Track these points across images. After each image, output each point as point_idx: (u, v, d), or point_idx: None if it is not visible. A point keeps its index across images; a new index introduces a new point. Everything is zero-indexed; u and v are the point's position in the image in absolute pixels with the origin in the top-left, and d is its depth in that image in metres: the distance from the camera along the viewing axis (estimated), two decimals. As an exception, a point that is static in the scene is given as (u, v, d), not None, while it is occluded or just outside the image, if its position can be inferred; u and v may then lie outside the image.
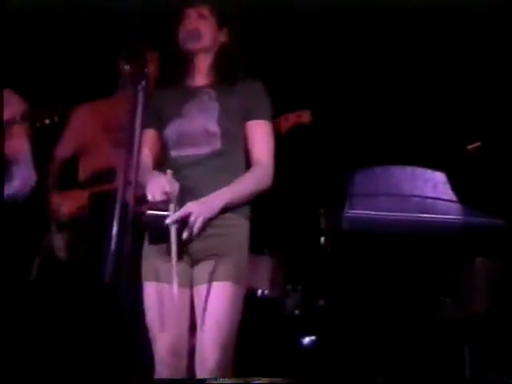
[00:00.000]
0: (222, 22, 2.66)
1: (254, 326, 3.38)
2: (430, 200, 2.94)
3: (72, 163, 3.49)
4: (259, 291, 3.49)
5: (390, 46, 3.79)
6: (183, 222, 2.45)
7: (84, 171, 3.55)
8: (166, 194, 2.44)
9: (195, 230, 2.43)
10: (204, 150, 2.55)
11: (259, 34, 3.51)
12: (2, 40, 3.23)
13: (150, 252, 2.55)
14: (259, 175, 2.55)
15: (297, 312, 3.57)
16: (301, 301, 3.58)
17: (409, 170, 3.04)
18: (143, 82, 2.41)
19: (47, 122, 3.02)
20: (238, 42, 2.68)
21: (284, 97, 2.97)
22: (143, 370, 3.23)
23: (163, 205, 2.46)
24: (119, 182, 2.37)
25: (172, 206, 2.46)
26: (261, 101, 2.60)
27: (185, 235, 2.44)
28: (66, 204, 3.44)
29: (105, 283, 2.22)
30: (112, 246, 2.27)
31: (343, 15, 3.57)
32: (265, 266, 3.57)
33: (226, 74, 2.61)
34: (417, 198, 2.97)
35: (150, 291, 2.52)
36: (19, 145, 3.15)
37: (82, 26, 3.75)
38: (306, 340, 3.57)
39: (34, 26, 3.67)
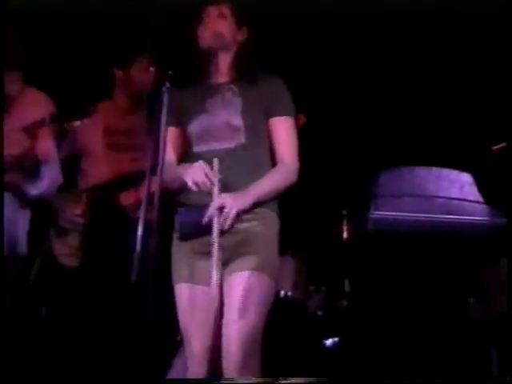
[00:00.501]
0: (241, 20, 2.67)
1: (277, 328, 3.38)
2: (455, 201, 2.92)
3: (71, 165, 3.48)
4: (282, 292, 3.50)
5: (417, 44, 3.77)
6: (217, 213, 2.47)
7: (84, 175, 3.54)
8: (207, 176, 2.47)
9: (228, 221, 2.44)
10: (228, 144, 2.56)
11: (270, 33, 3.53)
12: (26, 41, 3.27)
13: (181, 251, 2.55)
14: (285, 173, 2.56)
15: (320, 313, 3.57)
16: (324, 302, 3.58)
17: (434, 170, 3.03)
18: (168, 83, 2.45)
19: (77, 123, 3.06)
20: (255, 40, 2.69)
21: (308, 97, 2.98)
22: (165, 370, 3.26)
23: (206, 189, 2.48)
24: (145, 182, 2.40)
25: (216, 190, 2.48)
26: (282, 97, 2.62)
27: (218, 226, 2.44)
28: (67, 208, 3.45)
29: (132, 282, 2.24)
30: (138, 246, 2.31)
31: (350, 15, 3.55)
32: (288, 267, 3.56)
33: (245, 72, 2.62)
34: (442, 199, 2.96)
35: (184, 292, 2.52)
36: (48, 146, 3.17)
37: (97, 27, 3.78)
38: (329, 341, 3.56)
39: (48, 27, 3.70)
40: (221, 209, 2.44)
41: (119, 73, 3.53)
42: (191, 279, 2.50)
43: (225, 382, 2.43)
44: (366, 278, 3.21)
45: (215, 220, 2.43)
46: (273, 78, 2.64)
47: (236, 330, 2.41)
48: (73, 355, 3.27)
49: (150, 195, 2.38)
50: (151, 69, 2.43)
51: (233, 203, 2.44)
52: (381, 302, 3.22)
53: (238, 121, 2.56)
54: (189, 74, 2.68)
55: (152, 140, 2.40)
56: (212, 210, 2.43)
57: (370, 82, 3.81)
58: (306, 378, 2.45)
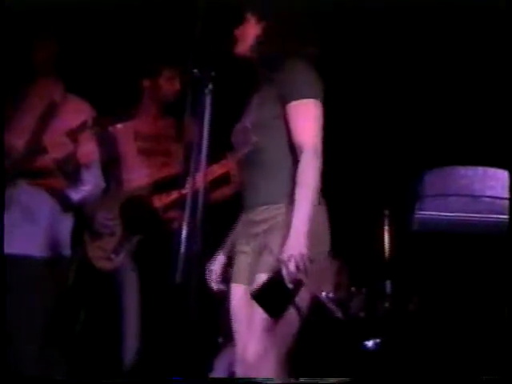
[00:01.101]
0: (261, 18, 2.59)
1: (319, 329, 3.37)
2: (502, 200, 2.89)
3: (104, 170, 3.51)
4: (324, 293, 3.49)
5: (453, 44, 3.75)
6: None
7: (116, 180, 3.60)
8: None
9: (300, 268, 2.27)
10: (244, 148, 2.51)
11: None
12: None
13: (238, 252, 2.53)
14: (306, 170, 2.34)
15: (361, 314, 3.56)
16: (365, 303, 3.57)
17: (480, 170, 2.98)
18: (210, 85, 2.45)
19: (119, 126, 3.10)
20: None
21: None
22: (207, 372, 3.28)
23: None
24: (189, 184, 2.41)
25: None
26: (296, 79, 2.42)
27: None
28: (100, 212, 3.49)
29: (176, 284, 2.26)
30: (182, 247, 2.32)
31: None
32: (329, 268, 3.56)
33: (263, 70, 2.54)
34: (489, 199, 2.92)
35: (233, 292, 2.52)
36: (90, 150, 3.21)
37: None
38: (371, 343, 3.55)
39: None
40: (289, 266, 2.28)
41: (147, 82, 3.62)
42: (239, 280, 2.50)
43: (261, 381, 2.43)
44: (409, 279, 3.19)
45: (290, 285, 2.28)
46: (290, 62, 2.46)
47: (255, 331, 2.37)
48: (112, 358, 3.31)
49: (187, 197, 2.40)
50: (194, 71, 2.41)
51: (293, 257, 2.26)
52: (424, 304, 3.20)
53: (248, 122, 2.50)
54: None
55: (195, 144, 2.42)
56: (286, 277, 2.26)
57: (414, 80, 3.78)
58: (345, 378, 2.44)
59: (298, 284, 2.25)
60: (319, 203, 2.41)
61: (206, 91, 2.42)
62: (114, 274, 3.44)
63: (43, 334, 3.13)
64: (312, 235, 2.30)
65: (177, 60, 3.67)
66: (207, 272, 2.63)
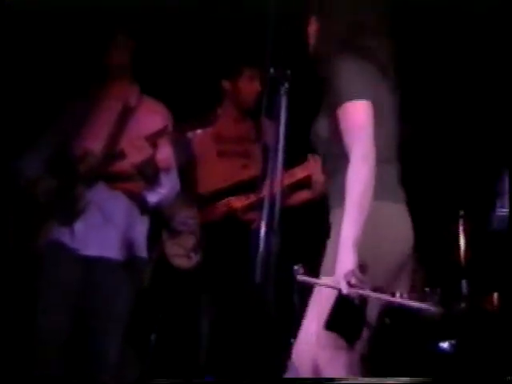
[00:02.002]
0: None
1: (393, 330, 3.34)
2: None
3: (183, 171, 3.56)
4: (397, 294, 3.44)
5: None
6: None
7: (196, 180, 3.65)
8: None
9: (356, 285, 2.21)
10: (321, 149, 2.50)
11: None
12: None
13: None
14: (353, 178, 2.24)
15: (436, 315, 3.49)
16: (440, 303, 3.50)
17: None
18: (286, 85, 2.44)
19: (198, 131, 3.12)
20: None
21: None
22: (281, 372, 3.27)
23: None
24: (267, 185, 2.41)
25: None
26: (334, 83, 2.35)
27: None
28: (180, 211, 3.52)
29: (256, 283, 2.26)
30: (261, 246, 2.33)
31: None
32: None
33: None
34: None
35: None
36: (167, 154, 3.25)
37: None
38: (446, 344, 3.49)
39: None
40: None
41: (227, 84, 3.64)
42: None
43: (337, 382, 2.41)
44: (486, 278, 3.13)
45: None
46: (335, 63, 2.37)
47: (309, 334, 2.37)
48: (190, 356, 3.34)
49: (264, 199, 2.40)
50: (270, 70, 2.41)
51: (344, 277, 2.20)
52: (502, 303, 3.14)
53: (321, 122, 2.45)
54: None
55: (272, 144, 2.41)
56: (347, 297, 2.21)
57: (491, 78, 3.72)
58: (420, 378, 2.40)
59: (362, 300, 2.20)
60: (395, 201, 2.37)
61: (282, 91, 2.42)
62: (192, 271, 3.48)
63: (122, 335, 3.19)
64: (369, 237, 2.23)
65: (257, 60, 3.67)
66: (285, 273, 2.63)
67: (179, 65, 3.89)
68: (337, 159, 2.37)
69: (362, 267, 2.22)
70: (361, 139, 2.26)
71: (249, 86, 3.63)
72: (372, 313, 2.40)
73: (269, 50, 2.42)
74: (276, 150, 2.38)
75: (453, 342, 3.46)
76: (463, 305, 3.38)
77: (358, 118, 2.29)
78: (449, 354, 3.47)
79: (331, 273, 2.29)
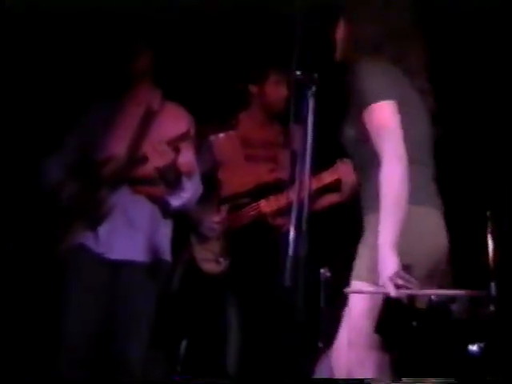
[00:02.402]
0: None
1: (422, 332, 3.31)
2: None
3: (209, 176, 3.58)
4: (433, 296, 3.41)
5: None
6: None
7: (223, 185, 3.66)
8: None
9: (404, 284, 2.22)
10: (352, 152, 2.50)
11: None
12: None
13: None
14: (385, 181, 2.23)
15: (464, 317, 3.47)
16: (469, 306, 3.48)
17: None
18: (314, 88, 2.44)
19: (221, 135, 3.13)
20: None
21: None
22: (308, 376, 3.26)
23: None
24: (295, 187, 2.41)
25: None
26: (356, 87, 2.36)
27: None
28: (208, 216, 3.53)
29: (286, 287, 2.26)
30: (290, 250, 2.33)
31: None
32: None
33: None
34: None
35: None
36: (190, 158, 3.26)
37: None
38: (475, 347, 3.46)
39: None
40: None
41: (254, 88, 3.63)
42: None
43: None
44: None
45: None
46: (358, 66, 2.38)
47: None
48: (219, 360, 3.34)
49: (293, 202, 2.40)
50: (297, 73, 2.40)
51: (389, 280, 2.20)
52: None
53: (350, 124, 2.45)
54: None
55: (300, 147, 2.41)
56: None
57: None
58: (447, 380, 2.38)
59: (411, 299, 2.22)
60: (423, 204, 2.34)
61: (310, 94, 2.42)
62: (221, 276, 3.48)
63: (149, 337, 3.20)
64: (407, 240, 2.22)
65: (283, 64, 3.66)
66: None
67: (204, 70, 3.89)
68: (367, 162, 2.37)
69: (406, 267, 2.22)
70: (390, 139, 2.25)
71: (275, 91, 3.63)
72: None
73: (295, 53, 2.41)
74: (304, 153, 2.37)
75: (481, 344, 3.43)
76: (492, 307, 3.35)
77: (385, 118, 2.28)
78: (477, 356, 3.44)
79: (363, 277, 2.31)
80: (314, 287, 2.65)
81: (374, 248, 2.25)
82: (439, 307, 3.47)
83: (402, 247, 2.22)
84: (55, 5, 3.46)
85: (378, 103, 2.29)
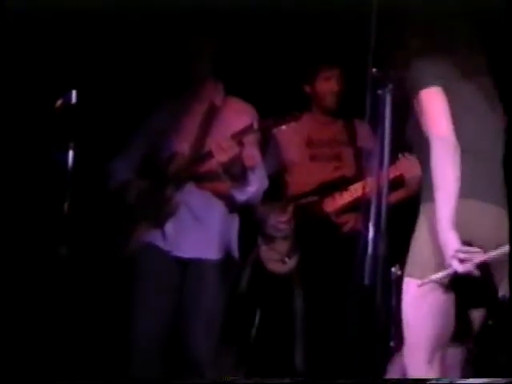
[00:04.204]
0: None
1: (497, 331, 3.27)
2: None
3: (277, 177, 3.58)
4: (500, 294, 3.37)
5: None
6: None
7: (289, 185, 3.67)
8: None
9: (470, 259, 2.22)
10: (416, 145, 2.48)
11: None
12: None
13: None
14: (437, 163, 2.24)
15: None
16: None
17: None
18: (390, 85, 2.42)
19: (283, 128, 3.12)
20: None
21: None
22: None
23: None
24: (373, 185, 2.40)
25: None
26: (409, 72, 2.38)
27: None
28: (273, 216, 3.53)
29: (366, 285, 2.25)
30: (369, 249, 2.32)
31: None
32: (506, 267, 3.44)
33: None
34: None
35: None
36: (255, 153, 3.27)
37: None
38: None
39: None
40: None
41: (308, 88, 3.64)
42: None
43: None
44: None
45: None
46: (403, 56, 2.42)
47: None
48: (289, 358, 3.34)
49: (364, 200, 2.39)
50: (373, 70, 2.39)
51: (452, 257, 2.20)
52: None
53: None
54: None
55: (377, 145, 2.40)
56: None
57: None
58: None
59: (481, 268, 2.20)
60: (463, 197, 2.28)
61: (386, 91, 2.41)
62: (287, 276, 3.48)
63: (219, 335, 3.21)
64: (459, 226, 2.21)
65: (335, 60, 3.66)
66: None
67: (265, 68, 3.88)
68: (425, 153, 2.33)
69: (466, 243, 2.22)
70: (436, 122, 2.28)
71: (325, 87, 3.63)
72: (477, 314, 2.40)
73: (371, 50, 2.39)
74: (382, 149, 2.36)
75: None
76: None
77: (431, 102, 2.31)
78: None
79: (413, 274, 2.31)
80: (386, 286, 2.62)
81: (427, 235, 2.28)
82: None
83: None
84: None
85: (425, 90, 2.32)
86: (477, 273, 2.21)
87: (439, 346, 2.33)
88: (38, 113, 3.43)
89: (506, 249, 2.24)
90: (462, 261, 2.19)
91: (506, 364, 3.25)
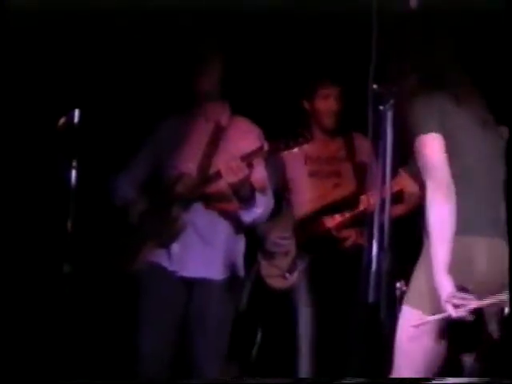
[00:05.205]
0: None
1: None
2: None
3: (277, 193, 3.54)
4: (506, 309, 3.35)
5: None
6: None
7: (289, 202, 3.66)
8: None
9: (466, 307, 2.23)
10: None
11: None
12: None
13: None
14: (431, 209, 2.30)
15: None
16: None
17: None
18: (391, 101, 2.42)
19: (295, 150, 3.10)
20: None
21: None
22: None
23: None
24: (375, 202, 2.39)
25: None
26: (408, 119, 2.42)
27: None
28: (274, 233, 3.52)
29: (369, 303, 2.24)
30: (373, 266, 2.30)
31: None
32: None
33: None
34: None
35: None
36: (263, 175, 3.26)
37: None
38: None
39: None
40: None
41: (307, 104, 3.63)
42: None
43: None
44: None
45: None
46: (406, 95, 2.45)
47: None
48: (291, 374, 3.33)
49: (367, 215, 2.38)
50: (374, 86, 2.38)
51: (446, 301, 2.23)
52: None
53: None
54: None
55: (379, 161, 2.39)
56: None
57: None
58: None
59: (475, 314, 2.21)
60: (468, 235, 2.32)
61: (387, 106, 2.41)
62: (288, 292, 3.47)
63: (223, 353, 3.19)
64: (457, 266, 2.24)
65: (335, 77, 3.66)
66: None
67: (265, 84, 3.88)
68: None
69: (461, 287, 2.23)
70: (433, 169, 2.31)
71: (323, 105, 3.62)
72: (491, 323, 2.37)
73: (372, 66, 2.39)
74: (384, 164, 2.35)
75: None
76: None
77: (428, 149, 2.34)
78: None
79: (412, 303, 2.35)
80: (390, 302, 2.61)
81: (428, 270, 2.29)
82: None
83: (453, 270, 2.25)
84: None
85: (419, 135, 2.35)
86: (470, 318, 2.21)
87: (428, 371, 2.35)
88: (41, 131, 3.43)
89: (501, 297, 2.25)
90: (456, 306, 2.20)
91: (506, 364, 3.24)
